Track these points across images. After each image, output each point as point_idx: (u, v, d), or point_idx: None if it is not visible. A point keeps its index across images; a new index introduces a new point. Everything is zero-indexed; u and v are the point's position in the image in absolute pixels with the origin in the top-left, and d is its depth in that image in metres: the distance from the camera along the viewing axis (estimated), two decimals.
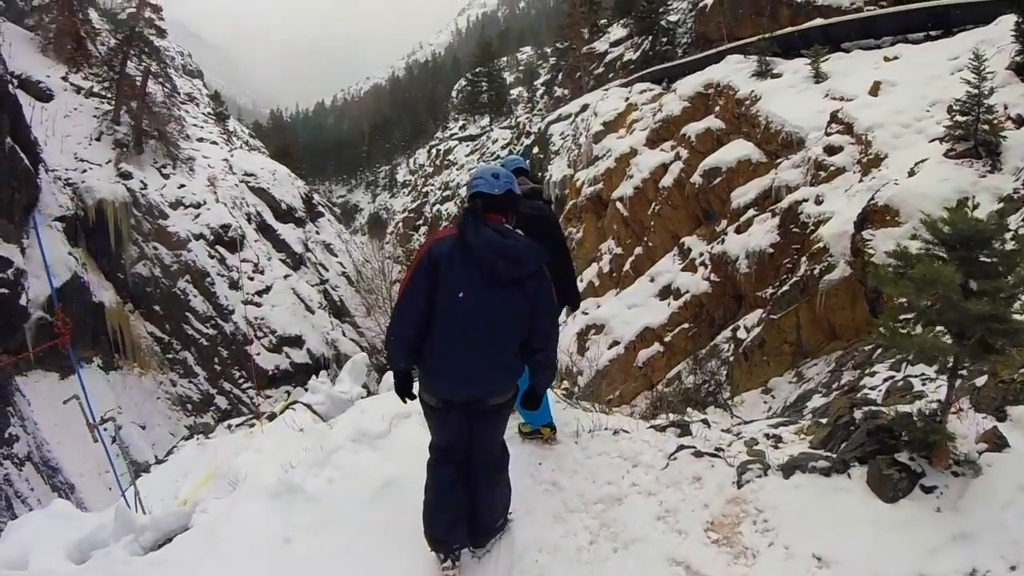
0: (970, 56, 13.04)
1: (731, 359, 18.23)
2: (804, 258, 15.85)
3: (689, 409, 6.86)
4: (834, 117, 18.46)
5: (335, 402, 8.79)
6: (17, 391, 24.40)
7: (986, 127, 13.01)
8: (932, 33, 22.90)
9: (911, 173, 13.78)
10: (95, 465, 24.31)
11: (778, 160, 20.82)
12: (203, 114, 49.13)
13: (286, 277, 37.82)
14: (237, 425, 8.48)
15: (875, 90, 18.71)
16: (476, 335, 3.78)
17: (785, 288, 16.23)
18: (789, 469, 4.35)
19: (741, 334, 18.76)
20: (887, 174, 14.57)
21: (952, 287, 3.57)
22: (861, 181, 15.84)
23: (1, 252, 23.22)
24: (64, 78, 34.55)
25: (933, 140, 14.73)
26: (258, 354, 33.90)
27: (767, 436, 5.29)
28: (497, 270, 3.72)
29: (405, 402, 4.18)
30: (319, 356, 35.83)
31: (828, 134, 18.35)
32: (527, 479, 4.70)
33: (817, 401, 7.51)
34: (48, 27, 35.61)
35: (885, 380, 6.69)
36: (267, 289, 36.38)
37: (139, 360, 30.50)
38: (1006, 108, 13.43)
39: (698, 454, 4.65)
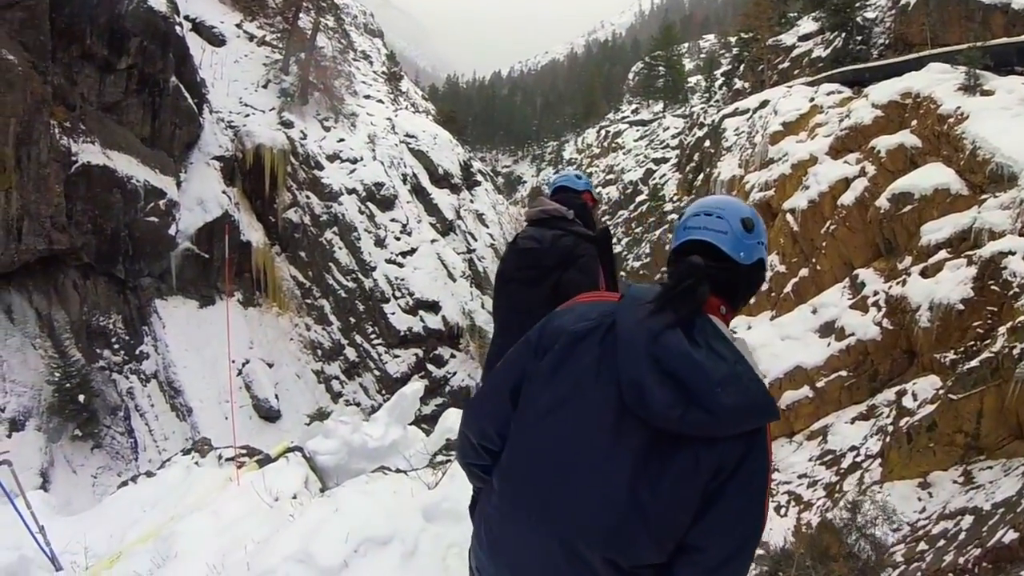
0: None
1: (890, 428, 15.48)
2: (1003, 329, 13.01)
3: None
4: None
5: (355, 452, 6.91)
6: (155, 313, 25.53)
7: None
8: None
9: None
10: (217, 394, 25.51)
11: (983, 196, 17.61)
12: (375, 72, 49.43)
13: (433, 242, 37.62)
14: (227, 459, 7.00)
15: None
16: (551, 508, 1.84)
17: (974, 363, 13.37)
18: None
19: (907, 401, 15.76)
20: None
21: None
22: None
23: (156, 183, 24.16)
24: (238, 25, 35.55)
25: None
26: (393, 313, 34.01)
27: None
28: (653, 404, 1.72)
29: None
30: (453, 325, 35.68)
31: None
32: None
33: None
34: None
35: None
36: (412, 251, 36.38)
37: (278, 301, 31.35)
38: None
39: None
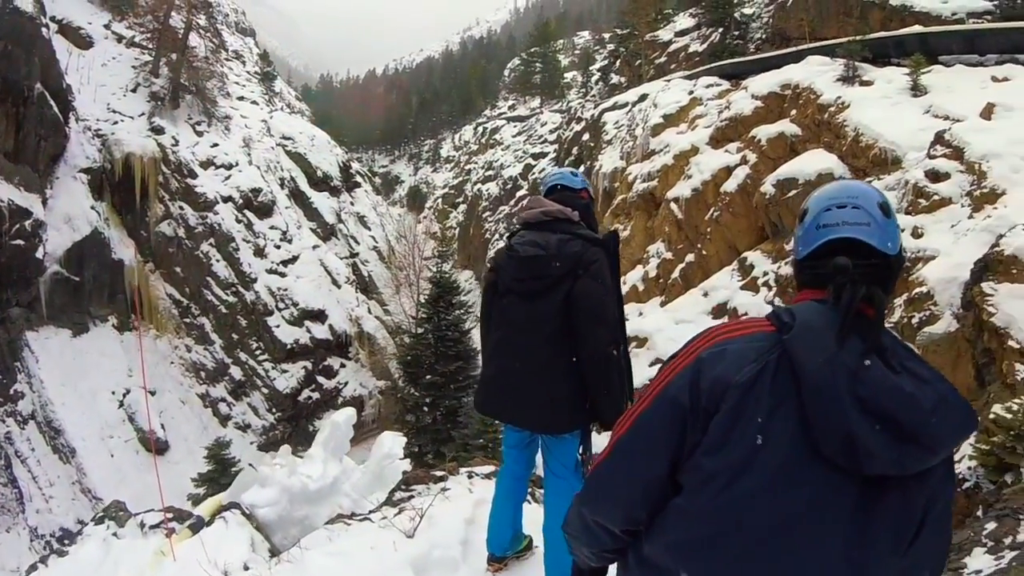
0: None
1: None
2: (899, 300, 13.58)
3: None
4: (939, 138, 16.12)
5: (296, 498, 6.11)
6: (26, 347, 23.90)
7: None
8: None
9: None
10: (99, 430, 24.20)
11: (867, 179, 18.37)
12: (248, 72, 47.77)
13: (315, 248, 36.65)
14: (152, 527, 6.15)
15: (988, 113, 16.37)
16: None
17: None
18: None
19: None
20: (1007, 215, 12.44)
21: None
22: (972, 218, 13.62)
23: (21, 202, 22.56)
24: (107, 26, 34.12)
25: None
26: (277, 326, 32.82)
27: None
28: (867, 454, 1.47)
29: None
30: (341, 333, 34.84)
31: (931, 157, 16.02)
32: None
33: (981, 558, 5.40)
34: None
35: None
36: (293, 259, 35.31)
37: (156, 322, 30.08)
38: None
39: None
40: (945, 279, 12.43)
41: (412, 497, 5.51)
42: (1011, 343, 10.20)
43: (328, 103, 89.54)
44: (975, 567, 5.15)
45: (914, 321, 12.60)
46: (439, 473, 6.32)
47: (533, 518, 4.23)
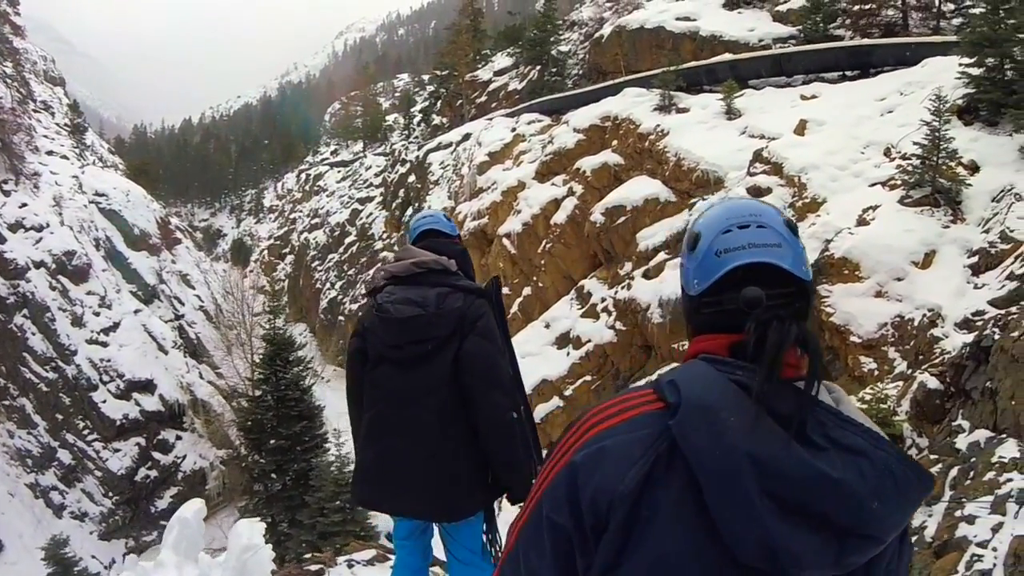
0: (898, 95, 12.05)
1: None
2: None
3: None
4: (758, 156, 17.19)
5: None
6: None
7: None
8: (848, 73, 22.18)
9: (862, 221, 12.48)
10: None
11: (692, 200, 19.36)
12: (57, 125, 44.59)
13: (136, 312, 34.33)
14: None
15: (801, 129, 17.63)
16: None
17: None
18: None
19: None
20: (831, 221, 13.30)
21: None
22: None
23: None
24: None
25: (874, 184, 13.72)
26: (104, 401, 30.45)
27: None
28: (793, 562, 1.13)
29: None
30: (173, 403, 32.71)
31: (752, 174, 17.02)
32: None
33: None
34: None
35: (995, 529, 4.83)
36: (115, 326, 32.99)
37: None
38: (956, 153, 12.34)
39: None
40: None
41: None
42: (853, 338, 10.95)
43: (143, 155, 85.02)
44: None
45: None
46: (314, 568, 5.74)
47: None
